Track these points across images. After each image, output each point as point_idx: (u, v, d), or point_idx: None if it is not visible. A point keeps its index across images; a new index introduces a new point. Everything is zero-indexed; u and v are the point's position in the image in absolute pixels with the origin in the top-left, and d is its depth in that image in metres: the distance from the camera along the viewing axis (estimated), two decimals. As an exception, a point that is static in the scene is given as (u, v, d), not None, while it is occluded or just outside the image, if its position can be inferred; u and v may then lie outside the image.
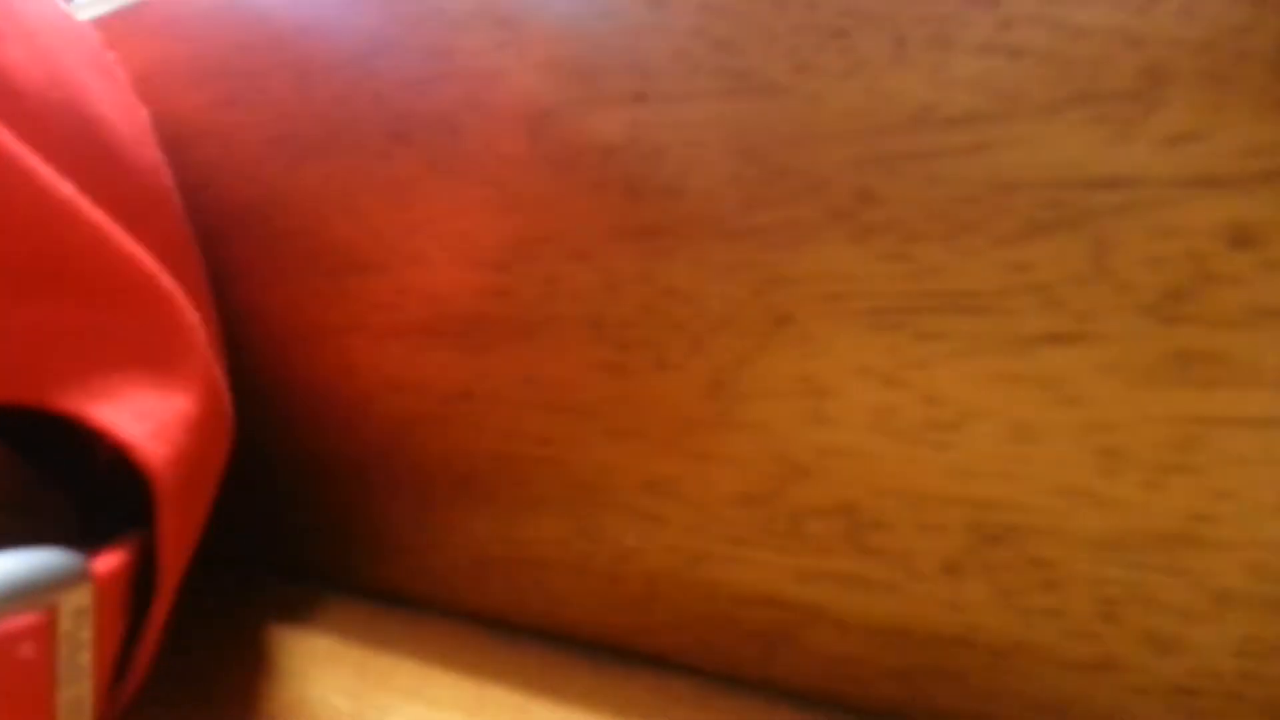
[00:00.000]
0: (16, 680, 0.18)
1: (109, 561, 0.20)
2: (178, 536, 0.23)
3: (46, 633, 0.19)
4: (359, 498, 0.32)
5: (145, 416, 0.22)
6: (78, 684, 0.20)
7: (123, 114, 0.27)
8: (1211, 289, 0.15)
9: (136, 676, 0.23)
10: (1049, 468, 0.18)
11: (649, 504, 0.25)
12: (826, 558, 0.22)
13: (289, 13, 0.28)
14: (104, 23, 0.32)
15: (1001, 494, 0.19)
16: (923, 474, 0.19)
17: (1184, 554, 0.17)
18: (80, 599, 0.19)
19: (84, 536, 0.25)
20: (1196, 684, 0.18)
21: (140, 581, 0.23)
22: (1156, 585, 0.17)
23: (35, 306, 0.21)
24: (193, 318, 0.24)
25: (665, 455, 0.24)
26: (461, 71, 0.24)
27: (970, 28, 0.17)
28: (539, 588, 0.28)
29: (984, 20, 0.17)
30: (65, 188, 0.21)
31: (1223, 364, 0.16)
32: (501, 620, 0.29)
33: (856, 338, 0.20)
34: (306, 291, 0.31)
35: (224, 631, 0.31)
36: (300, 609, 0.32)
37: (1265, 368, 0.15)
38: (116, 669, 0.22)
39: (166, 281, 0.24)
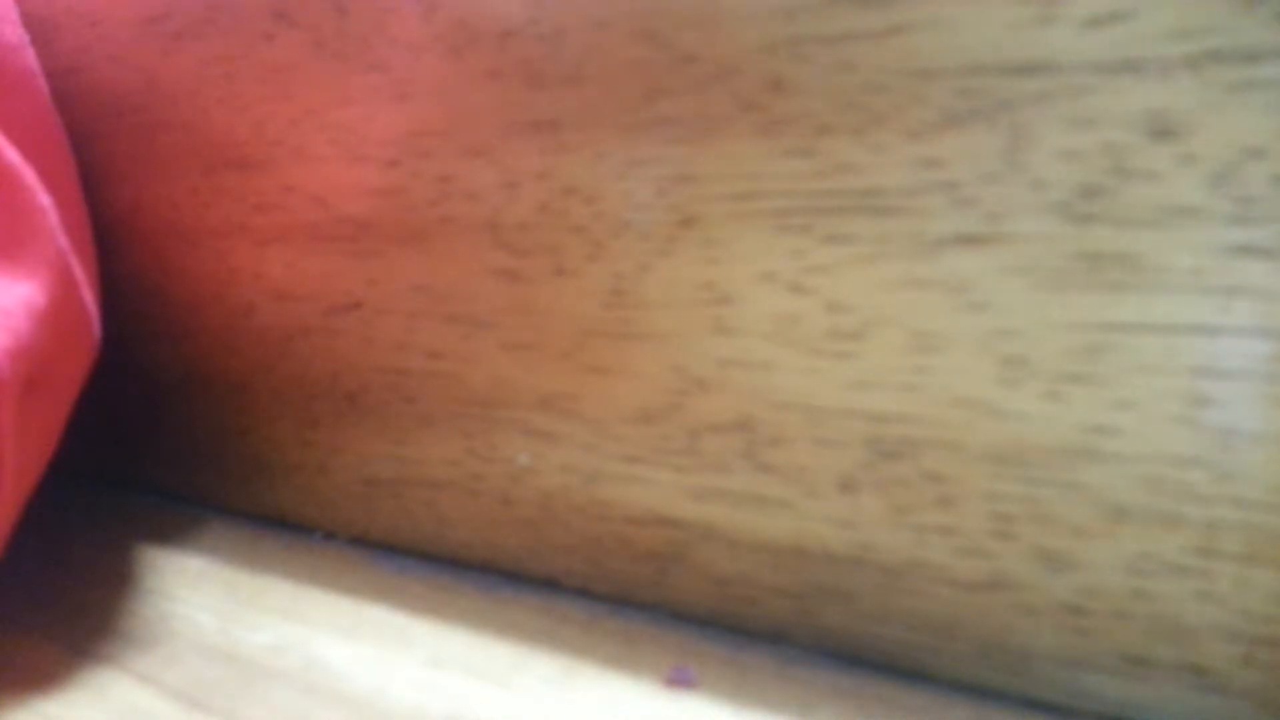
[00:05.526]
0: None
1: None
2: (22, 436, 0.21)
3: None
4: (239, 414, 0.30)
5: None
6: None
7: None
8: (1126, 186, 0.15)
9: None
10: (950, 378, 0.17)
11: (544, 421, 0.24)
12: (722, 475, 0.21)
13: (163, -127, 0.25)
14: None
15: (901, 406, 0.18)
16: (823, 386, 0.19)
17: (1081, 468, 0.16)
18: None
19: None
20: (1085, 602, 0.17)
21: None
22: (1051, 501, 0.17)
23: None
24: (41, 200, 0.21)
25: (562, 369, 0.23)
26: (351, -56, 0.22)
27: (892, -93, 0.16)
28: (429, 510, 0.27)
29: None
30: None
31: (1132, 266, 0.15)
32: (389, 544, 0.28)
33: (761, 241, 0.18)
34: (182, 190, 0.28)
35: (88, 549, 0.29)
36: (173, 529, 0.30)
37: (1175, 270, 0.15)
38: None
39: (12, 159, 0.21)
